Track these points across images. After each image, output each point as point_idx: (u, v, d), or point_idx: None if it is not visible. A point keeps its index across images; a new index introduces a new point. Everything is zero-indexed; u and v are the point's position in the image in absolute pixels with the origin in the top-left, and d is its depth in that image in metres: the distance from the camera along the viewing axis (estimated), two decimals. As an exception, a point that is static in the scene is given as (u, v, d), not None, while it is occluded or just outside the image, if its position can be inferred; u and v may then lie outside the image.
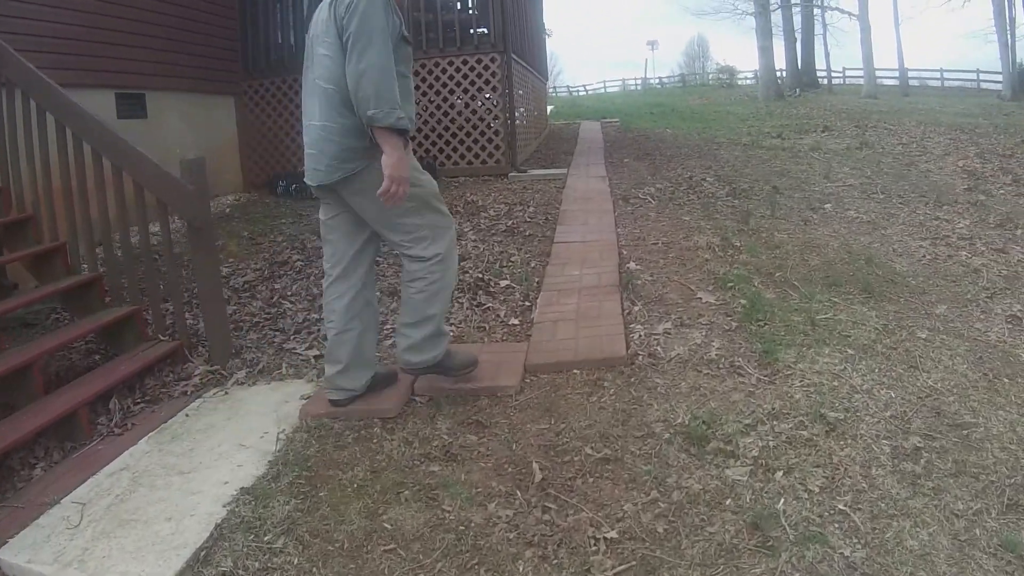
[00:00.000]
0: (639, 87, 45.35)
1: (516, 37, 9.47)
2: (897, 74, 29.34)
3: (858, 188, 7.32)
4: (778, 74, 24.44)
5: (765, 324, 3.51)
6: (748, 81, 37.42)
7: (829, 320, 3.55)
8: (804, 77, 27.20)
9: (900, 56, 28.39)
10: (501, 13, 8.47)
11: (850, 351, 3.19)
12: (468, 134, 8.71)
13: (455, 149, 8.78)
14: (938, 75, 35.05)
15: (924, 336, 3.40)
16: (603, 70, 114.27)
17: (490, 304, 4.18)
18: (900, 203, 6.68)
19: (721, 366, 3.08)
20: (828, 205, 6.52)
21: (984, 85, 32.38)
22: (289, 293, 4.88)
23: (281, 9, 9.33)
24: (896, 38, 28.44)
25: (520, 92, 9.86)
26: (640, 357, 3.23)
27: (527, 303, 4.18)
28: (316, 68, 2.71)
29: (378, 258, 5.37)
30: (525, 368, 3.25)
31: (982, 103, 21.30)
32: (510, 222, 5.99)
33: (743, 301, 3.80)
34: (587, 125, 15.91)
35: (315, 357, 3.66)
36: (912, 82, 29.75)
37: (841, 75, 35.03)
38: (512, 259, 5.01)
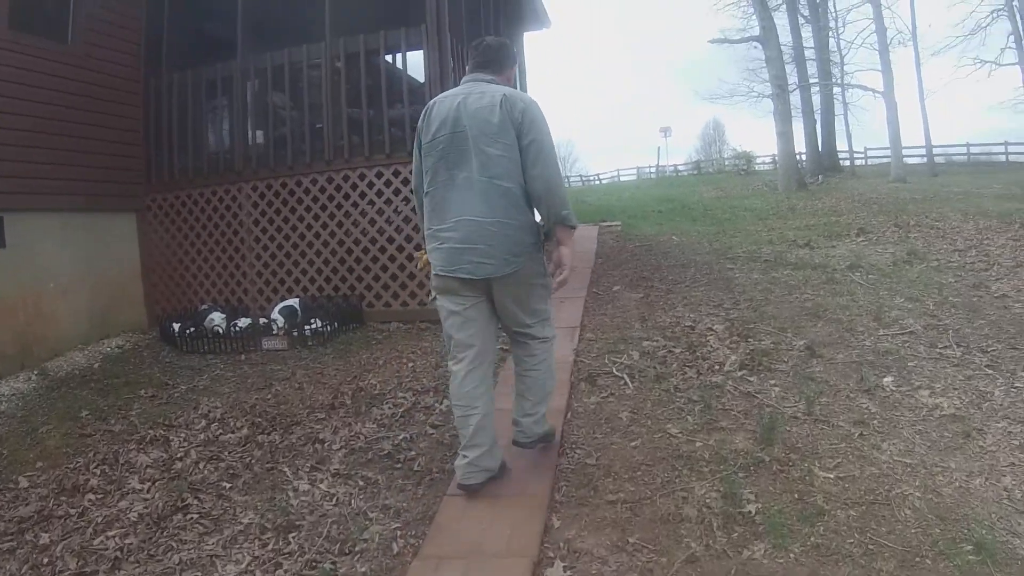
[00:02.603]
0: (654, 174, 43.79)
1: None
2: (924, 151, 27.38)
3: (923, 337, 5.23)
4: (798, 157, 22.55)
5: None
6: (766, 166, 35.78)
7: None
8: (825, 160, 25.40)
9: (927, 133, 26.43)
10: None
11: None
12: (402, 267, 6.76)
13: (386, 286, 6.83)
14: (964, 150, 33.31)
15: None
16: (618, 157, 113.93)
17: None
18: (988, 367, 4.58)
19: None
20: (888, 379, 4.43)
21: (1012, 158, 30.61)
22: (45, 561, 3.14)
23: (194, 108, 7.59)
24: (922, 114, 26.53)
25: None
26: None
27: None
28: (490, 167, 2.90)
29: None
30: None
31: (1019, 180, 19.36)
32: (402, 435, 3.98)
33: None
34: (581, 232, 13.86)
35: None
36: (937, 158, 27.78)
37: (863, 155, 33.40)
38: (365, 536, 3.01)
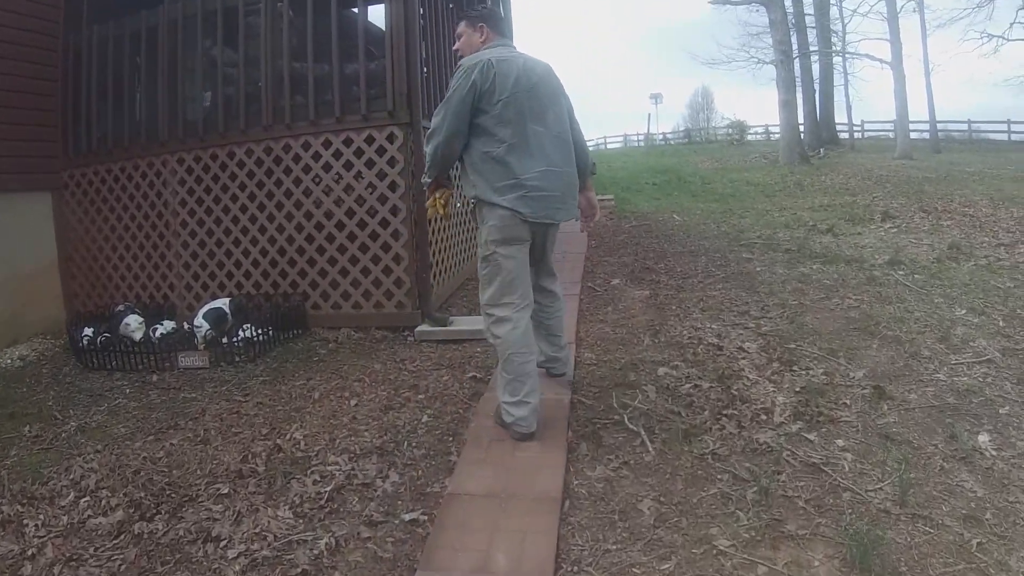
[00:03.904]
0: (641, 142, 42.22)
1: (439, 96, 6.25)
2: (927, 127, 26.23)
3: (1004, 369, 4.13)
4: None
5: None
6: (758, 137, 34.53)
7: None
8: (824, 132, 24.14)
9: (931, 108, 25.17)
10: (405, 63, 5.28)
11: None
12: (354, 260, 5.48)
13: (335, 284, 5.55)
14: (965, 127, 32.19)
15: None
16: (606, 123, 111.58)
17: None
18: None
19: None
20: (983, 437, 3.31)
21: (1015, 136, 29.61)
22: None
23: (115, 66, 6.20)
24: (927, 88, 25.19)
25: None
26: None
27: None
28: (561, 123, 3.33)
29: None
30: None
31: (1028, 160, 18.49)
32: (324, 539, 2.72)
33: None
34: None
35: None
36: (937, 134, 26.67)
37: (860, 128, 32.21)
38: None
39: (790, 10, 22.48)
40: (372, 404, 3.91)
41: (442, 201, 3.52)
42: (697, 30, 45.30)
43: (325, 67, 5.55)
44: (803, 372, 4.08)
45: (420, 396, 3.98)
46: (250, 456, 3.38)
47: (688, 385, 3.93)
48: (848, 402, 3.70)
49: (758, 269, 6.59)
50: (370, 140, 5.33)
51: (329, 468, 3.19)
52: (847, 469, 3.04)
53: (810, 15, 24.91)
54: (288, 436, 3.54)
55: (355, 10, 5.60)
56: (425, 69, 5.77)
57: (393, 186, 5.27)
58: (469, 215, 7.26)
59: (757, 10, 22.48)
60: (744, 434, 3.35)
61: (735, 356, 4.37)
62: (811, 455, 3.14)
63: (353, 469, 3.17)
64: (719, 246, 7.85)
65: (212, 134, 5.87)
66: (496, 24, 3.41)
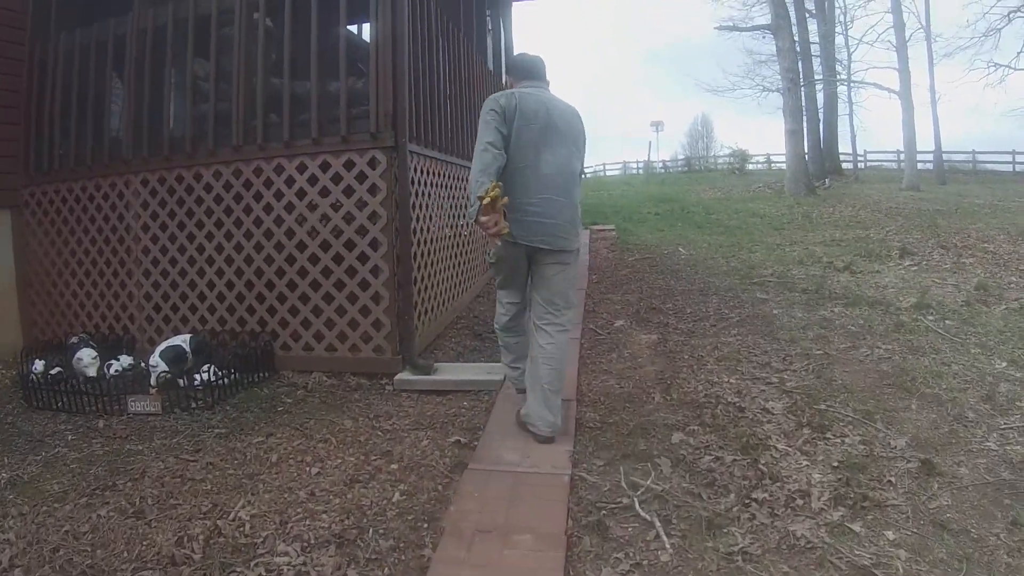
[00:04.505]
0: (641, 170, 41.72)
1: (431, 117, 5.72)
2: (931, 158, 25.84)
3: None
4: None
5: None
6: (759, 166, 34.13)
7: None
8: (827, 162, 23.73)
9: (937, 139, 24.74)
10: (391, 81, 4.76)
11: None
12: (328, 297, 4.93)
13: (307, 323, 4.99)
14: (968, 156, 31.90)
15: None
16: (604, 150, 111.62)
17: None
18: None
19: None
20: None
21: (1020, 168, 29.28)
22: None
23: (81, 78, 5.70)
24: (933, 118, 24.82)
25: (438, 211, 6.04)
26: None
27: None
28: (573, 160, 3.52)
29: None
30: None
31: (1038, 192, 18.05)
32: None
33: None
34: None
35: None
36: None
37: (863, 159, 31.89)
38: None
39: (795, 38, 22.15)
40: (336, 474, 3.33)
41: (493, 193, 3.13)
42: (700, 56, 45.24)
43: (306, 84, 5.04)
44: (838, 440, 3.54)
45: (393, 466, 3.40)
46: (186, 538, 2.80)
47: (708, 457, 3.37)
48: (893, 480, 3.16)
49: (775, 312, 6.06)
50: (349, 165, 4.80)
51: (276, 560, 2.61)
52: (902, 572, 2.48)
53: (815, 43, 24.63)
54: (232, 515, 2.95)
55: (340, 24, 5.09)
56: (414, 88, 5.25)
57: (374, 217, 4.73)
58: (461, 245, 6.72)
59: (763, 37, 22.15)
60: (778, 525, 2.78)
61: (759, 419, 3.82)
62: (859, 554, 2.59)
63: (305, 564, 2.58)
64: (730, 284, 7.31)
65: (178, 154, 5.34)
66: (516, 71, 3.73)
